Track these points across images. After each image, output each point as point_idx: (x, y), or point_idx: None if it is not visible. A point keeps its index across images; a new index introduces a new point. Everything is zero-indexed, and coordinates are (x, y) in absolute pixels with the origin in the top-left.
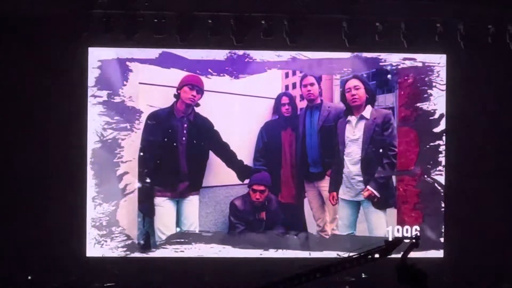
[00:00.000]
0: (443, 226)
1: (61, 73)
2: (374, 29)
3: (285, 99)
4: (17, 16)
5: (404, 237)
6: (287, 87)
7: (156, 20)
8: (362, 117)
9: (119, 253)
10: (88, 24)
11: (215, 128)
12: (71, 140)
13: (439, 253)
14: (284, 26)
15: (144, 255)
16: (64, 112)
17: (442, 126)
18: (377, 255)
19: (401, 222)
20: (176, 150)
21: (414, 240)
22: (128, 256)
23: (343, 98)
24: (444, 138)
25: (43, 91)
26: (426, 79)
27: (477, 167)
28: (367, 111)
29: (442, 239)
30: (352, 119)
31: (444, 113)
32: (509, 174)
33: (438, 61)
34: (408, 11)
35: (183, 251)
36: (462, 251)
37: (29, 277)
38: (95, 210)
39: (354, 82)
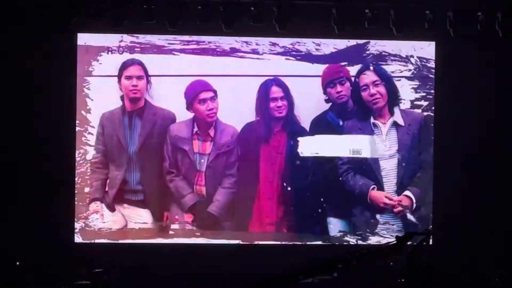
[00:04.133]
0: (431, 214)
1: (50, 59)
2: (364, 16)
3: None
4: (3, 1)
5: (415, 232)
6: None
7: (145, 6)
8: (395, 124)
9: (108, 238)
10: (77, 10)
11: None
12: (60, 127)
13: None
14: (274, 12)
15: (133, 241)
16: (52, 99)
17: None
18: (387, 252)
19: None
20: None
21: (425, 235)
22: (117, 242)
23: (357, 98)
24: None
25: (31, 78)
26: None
27: (466, 155)
28: (397, 115)
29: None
30: (380, 125)
31: (433, 102)
32: (498, 162)
33: (427, 48)
34: None
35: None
36: (452, 239)
37: (17, 263)
38: (83, 195)
39: (371, 77)
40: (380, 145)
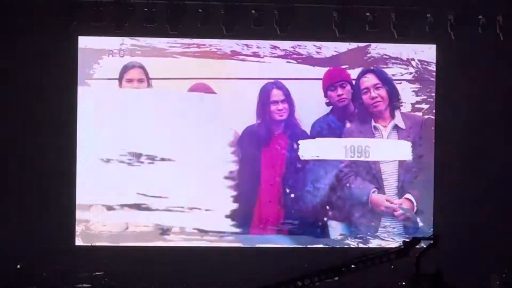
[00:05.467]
0: (431, 218)
1: (51, 62)
2: (365, 19)
3: None
4: (5, 5)
5: (422, 237)
6: None
7: (146, 9)
8: (396, 127)
9: (108, 242)
10: (78, 13)
11: None
12: (61, 129)
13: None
14: (275, 15)
15: (133, 244)
16: (53, 101)
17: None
18: (394, 256)
19: None
20: None
21: (432, 240)
22: (117, 245)
23: (358, 101)
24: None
25: (33, 80)
26: None
27: (467, 158)
28: (398, 119)
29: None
30: (381, 129)
31: (434, 103)
32: (499, 164)
33: (428, 52)
34: (399, 1)
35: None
36: (453, 241)
37: (18, 266)
38: (84, 198)
39: (372, 80)
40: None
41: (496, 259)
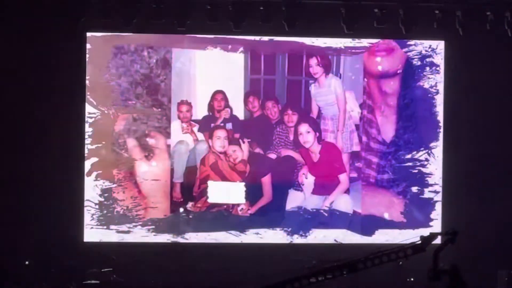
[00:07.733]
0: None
1: (59, 58)
2: (373, 15)
3: None
4: (14, 1)
5: (439, 233)
6: None
7: (154, 6)
8: None
9: (116, 238)
10: (86, 9)
11: None
12: (69, 126)
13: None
14: (283, 11)
15: (141, 240)
16: (61, 97)
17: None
18: (410, 251)
19: None
20: None
21: (450, 236)
22: (125, 241)
23: None
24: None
25: (41, 76)
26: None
27: (475, 154)
28: None
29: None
30: None
31: (442, 100)
32: (508, 159)
33: (436, 48)
34: None
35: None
36: (460, 237)
37: (26, 262)
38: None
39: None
40: None
41: (504, 255)
